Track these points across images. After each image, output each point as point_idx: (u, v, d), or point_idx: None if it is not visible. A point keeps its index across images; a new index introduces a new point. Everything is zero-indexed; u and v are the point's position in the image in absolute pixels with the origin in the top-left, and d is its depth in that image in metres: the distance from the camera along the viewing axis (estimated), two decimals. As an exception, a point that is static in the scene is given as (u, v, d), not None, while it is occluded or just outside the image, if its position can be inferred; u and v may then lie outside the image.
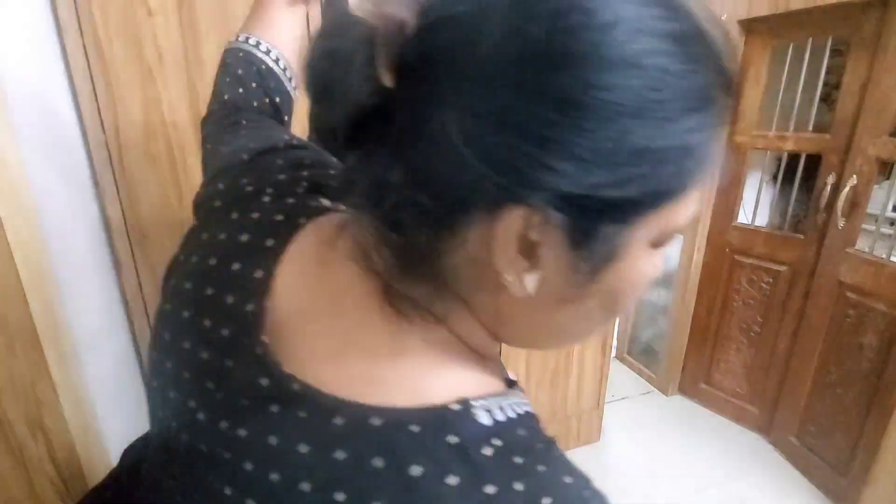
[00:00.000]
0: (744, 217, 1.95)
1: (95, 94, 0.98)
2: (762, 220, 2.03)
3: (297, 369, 0.29)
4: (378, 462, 0.26)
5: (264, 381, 0.29)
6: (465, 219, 0.26)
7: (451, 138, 0.24)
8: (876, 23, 1.45)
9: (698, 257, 2.02)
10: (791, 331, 1.81)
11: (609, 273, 0.27)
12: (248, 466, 0.28)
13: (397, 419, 0.27)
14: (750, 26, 1.73)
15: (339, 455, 0.26)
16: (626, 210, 0.25)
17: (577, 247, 0.25)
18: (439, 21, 0.24)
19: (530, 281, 0.27)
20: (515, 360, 1.64)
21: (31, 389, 0.81)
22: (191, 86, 1.04)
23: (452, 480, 0.25)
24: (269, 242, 0.34)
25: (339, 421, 0.27)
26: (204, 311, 0.33)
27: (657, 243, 0.28)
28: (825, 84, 1.70)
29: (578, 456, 1.87)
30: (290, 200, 0.37)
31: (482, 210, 0.25)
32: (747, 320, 1.95)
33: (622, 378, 2.37)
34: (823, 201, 1.64)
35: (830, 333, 1.66)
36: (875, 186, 1.53)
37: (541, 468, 0.27)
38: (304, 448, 0.27)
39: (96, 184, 1.04)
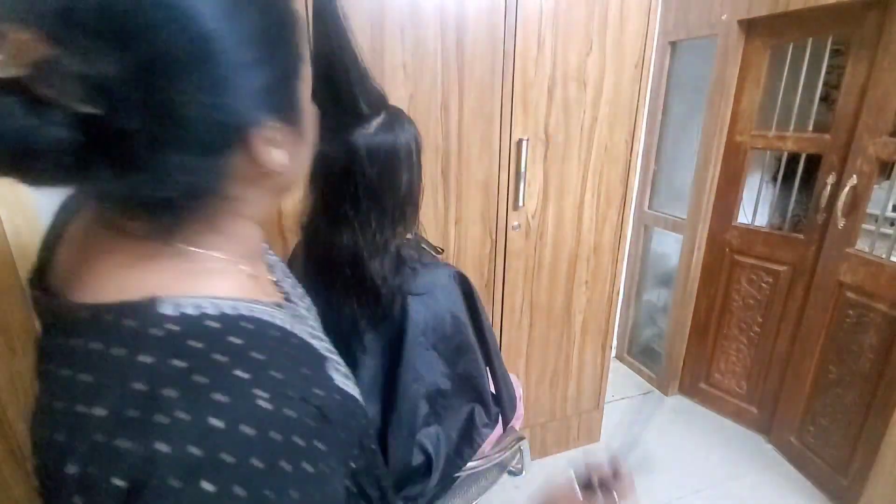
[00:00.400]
0: (744, 217, 1.95)
1: (95, 94, 0.98)
2: (762, 220, 2.03)
3: (56, 284, 0.38)
4: (75, 342, 0.34)
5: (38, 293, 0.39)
6: (210, 159, 0.33)
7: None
8: (876, 23, 1.45)
9: (698, 257, 2.02)
10: (791, 331, 1.81)
11: (303, 117, 0.39)
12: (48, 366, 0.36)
13: (98, 311, 0.34)
14: (750, 26, 1.73)
15: (60, 340, 0.35)
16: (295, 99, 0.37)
17: (290, 122, 0.37)
18: None
19: (279, 155, 0.37)
20: (515, 359, 1.65)
21: (31, 389, 0.81)
22: (191, 85, 1.04)
23: (117, 351, 0.32)
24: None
25: (76, 315, 0.35)
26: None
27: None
28: (825, 84, 1.70)
29: (578, 456, 1.87)
30: None
31: (234, 146, 0.34)
32: (747, 320, 1.95)
33: (622, 378, 2.38)
34: (823, 201, 1.64)
35: (830, 333, 1.66)
36: (875, 186, 1.53)
37: (218, 356, 0.32)
38: (59, 339, 0.35)
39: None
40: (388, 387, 0.81)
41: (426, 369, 0.82)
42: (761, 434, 1.97)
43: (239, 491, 0.29)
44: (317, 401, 0.36)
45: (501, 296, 1.54)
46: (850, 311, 1.59)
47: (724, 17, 1.76)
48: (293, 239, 1.11)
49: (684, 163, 2.09)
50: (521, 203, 1.43)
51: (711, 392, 2.12)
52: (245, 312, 0.37)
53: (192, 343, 0.32)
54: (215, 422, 0.30)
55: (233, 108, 0.32)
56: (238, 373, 0.32)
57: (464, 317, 0.86)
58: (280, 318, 0.39)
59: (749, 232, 1.89)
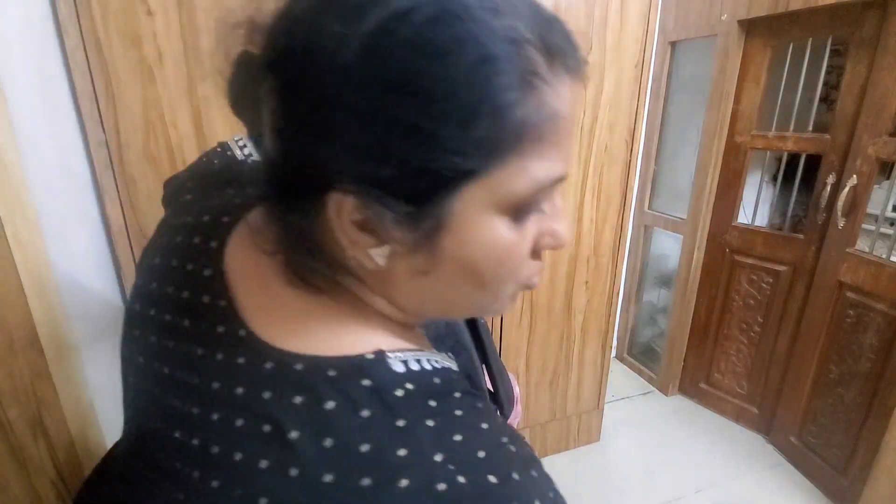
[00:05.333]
0: (744, 217, 1.95)
1: (95, 94, 0.98)
2: (762, 220, 2.03)
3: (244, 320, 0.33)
4: (298, 399, 0.29)
5: (220, 329, 0.33)
6: (304, 205, 0.30)
7: (271, 136, 0.29)
8: (876, 23, 1.45)
9: (698, 257, 2.02)
10: (791, 331, 1.81)
11: (448, 243, 0.30)
12: (195, 410, 0.31)
13: (317, 364, 0.30)
14: (750, 26, 1.73)
15: (266, 394, 0.29)
16: (424, 189, 0.27)
17: (402, 223, 0.28)
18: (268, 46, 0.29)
19: (379, 255, 0.30)
20: (515, 359, 1.65)
21: (31, 389, 0.81)
22: (191, 86, 1.04)
23: (365, 413, 0.28)
24: (225, 219, 0.39)
25: (268, 365, 0.30)
26: (167, 280, 0.38)
27: (505, 212, 0.30)
28: (825, 84, 1.70)
29: (578, 456, 1.87)
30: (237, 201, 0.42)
31: (313, 198, 0.29)
32: (747, 320, 1.95)
33: (622, 378, 2.37)
34: (823, 201, 1.64)
35: (830, 333, 1.66)
36: (875, 186, 1.53)
37: (457, 412, 0.31)
38: (239, 390, 0.30)
39: (96, 184, 1.04)
40: None
41: None
42: (761, 434, 1.97)
43: None
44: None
45: (501, 296, 1.54)
46: (850, 311, 1.59)
47: (724, 17, 1.76)
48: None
49: (684, 163, 2.09)
50: (521, 203, 1.43)
51: (711, 392, 2.12)
52: (446, 364, 0.35)
53: (431, 403, 0.30)
54: (491, 478, 0.28)
55: (321, 153, 0.27)
56: (483, 426, 0.31)
57: None
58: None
59: (749, 232, 1.89)
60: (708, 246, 2.01)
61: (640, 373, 2.39)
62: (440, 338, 0.83)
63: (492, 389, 0.97)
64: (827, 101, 1.92)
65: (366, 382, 0.30)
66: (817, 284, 1.69)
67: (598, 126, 1.47)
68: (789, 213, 1.90)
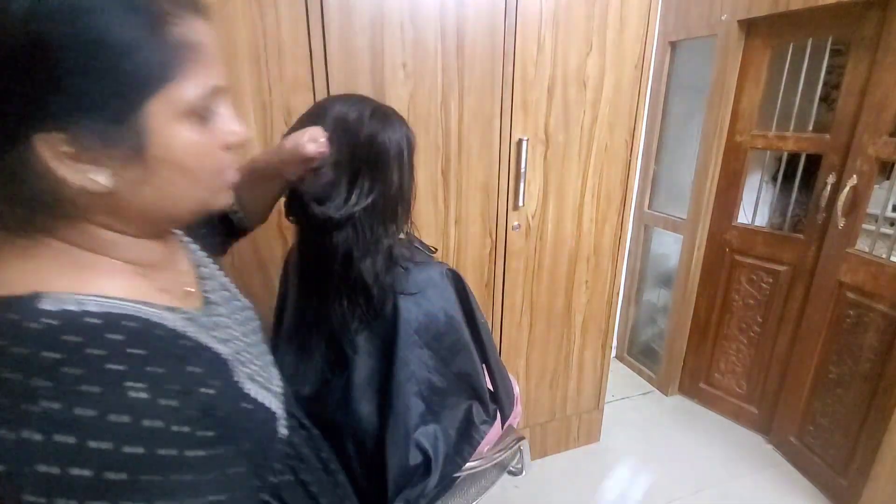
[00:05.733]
0: (744, 217, 1.95)
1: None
2: (762, 220, 2.03)
3: None
4: None
5: None
6: (12, 154, 0.33)
7: None
8: (876, 23, 1.45)
9: (698, 257, 2.02)
10: (791, 331, 1.81)
11: (154, 151, 0.37)
12: None
13: None
14: (750, 26, 1.73)
15: None
16: (113, 111, 0.34)
17: (107, 144, 0.34)
18: None
19: (101, 176, 0.35)
20: (515, 359, 1.65)
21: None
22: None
23: None
24: None
25: None
26: None
27: (188, 118, 0.38)
28: (825, 84, 1.70)
29: (578, 456, 1.87)
30: None
31: (21, 145, 0.33)
32: (747, 320, 1.95)
33: (622, 378, 2.38)
34: (823, 201, 1.64)
35: (830, 333, 1.66)
36: (875, 186, 1.53)
37: (91, 350, 0.33)
38: None
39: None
40: (384, 386, 0.81)
41: (420, 368, 0.82)
42: (761, 434, 1.98)
43: (113, 476, 0.31)
44: (204, 397, 0.37)
45: (501, 296, 1.54)
46: (850, 311, 1.59)
47: (724, 17, 1.76)
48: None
49: (684, 163, 2.09)
50: (521, 203, 1.44)
51: (711, 392, 2.13)
52: (130, 312, 0.37)
53: (69, 337, 0.33)
54: (85, 411, 0.31)
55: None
56: (111, 366, 0.33)
57: (458, 315, 0.86)
58: (171, 320, 0.40)
59: (749, 232, 1.89)
60: (708, 246, 2.01)
61: (639, 373, 2.39)
62: (439, 335, 0.83)
63: (492, 389, 0.98)
64: (827, 100, 1.92)
65: (11, 316, 0.33)
66: (817, 284, 1.69)
67: (598, 126, 1.47)
68: (789, 213, 1.90)
